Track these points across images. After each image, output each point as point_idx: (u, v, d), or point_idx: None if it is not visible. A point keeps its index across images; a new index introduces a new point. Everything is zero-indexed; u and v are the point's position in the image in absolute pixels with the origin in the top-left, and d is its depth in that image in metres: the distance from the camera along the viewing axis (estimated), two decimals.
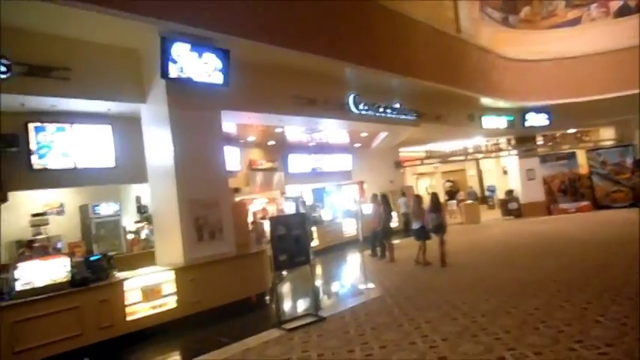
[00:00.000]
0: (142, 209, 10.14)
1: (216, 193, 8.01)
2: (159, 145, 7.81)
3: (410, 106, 14.11)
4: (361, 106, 12.40)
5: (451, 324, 5.72)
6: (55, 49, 7.00)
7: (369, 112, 12.73)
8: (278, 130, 13.05)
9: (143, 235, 9.93)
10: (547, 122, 19.21)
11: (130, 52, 7.85)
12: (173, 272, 7.14)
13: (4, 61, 6.42)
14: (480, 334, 5.22)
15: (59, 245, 8.42)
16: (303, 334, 5.99)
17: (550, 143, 20.90)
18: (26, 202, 8.40)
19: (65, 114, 7.93)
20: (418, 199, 10.96)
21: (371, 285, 8.67)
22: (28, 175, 7.65)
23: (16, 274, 5.77)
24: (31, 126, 7.68)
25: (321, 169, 17.05)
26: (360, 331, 5.86)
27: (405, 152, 19.98)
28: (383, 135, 16.00)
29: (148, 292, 6.81)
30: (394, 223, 14.42)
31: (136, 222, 10.17)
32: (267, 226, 10.32)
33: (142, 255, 8.86)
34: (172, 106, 7.60)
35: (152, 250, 8.44)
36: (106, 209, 9.50)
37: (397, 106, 13.67)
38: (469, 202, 20.51)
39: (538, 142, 20.44)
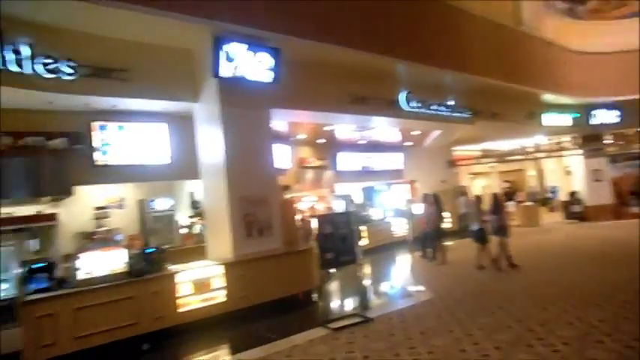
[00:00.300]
0: (195, 205, 10.46)
1: (266, 191, 8.10)
2: (211, 143, 8.02)
3: (464, 104, 13.58)
4: (413, 104, 12.08)
5: (505, 332, 5.42)
6: (114, 51, 7.36)
7: (422, 110, 12.38)
8: (328, 128, 13.01)
9: (196, 230, 10.24)
10: (618, 119, 17.81)
11: (183, 53, 8.10)
12: (223, 267, 7.29)
13: (70, 64, 6.84)
14: (536, 345, 4.90)
15: (119, 237, 8.86)
16: (349, 334, 5.91)
17: (621, 142, 19.35)
18: (90, 196, 8.92)
19: (125, 113, 8.33)
20: (478, 199, 10.56)
21: (421, 287, 8.43)
22: (91, 171, 8.12)
23: (78, 263, 6.13)
24: (94, 124, 8.15)
25: (372, 167, 16.84)
26: (407, 334, 5.69)
27: (459, 151, 19.30)
28: (436, 133, 15.54)
29: (199, 285, 6.99)
30: (446, 224, 13.98)
31: (190, 217, 10.51)
32: (315, 223, 10.35)
33: (194, 249, 9.13)
34: (224, 105, 7.76)
35: (204, 244, 8.68)
36: (161, 204, 9.89)
37: (451, 103, 13.21)
38: (528, 203, 19.48)
39: (606, 141, 19.00)
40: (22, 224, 7.84)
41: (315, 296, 8.30)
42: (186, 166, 8.84)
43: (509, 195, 24.43)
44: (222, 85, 7.71)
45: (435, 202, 11.70)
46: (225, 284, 7.23)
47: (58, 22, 6.73)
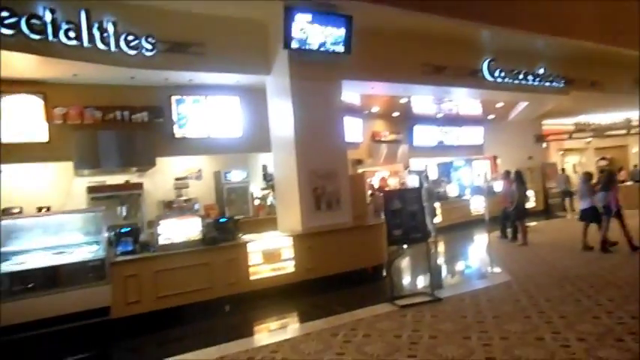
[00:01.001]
0: (267, 177, 10.68)
1: (335, 164, 8.01)
2: (281, 116, 8.05)
3: (557, 72, 12.32)
4: (497, 73, 11.19)
5: (590, 322, 4.90)
6: (191, 26, 7.58)
7: (507, 80, 11.44)
8: (403, 100, 12.53)
9: (268, 202, 10.50)
10: None
11: (257, 25, 8.12)
12: (291, 238, 7.39)
13: (150, 40, 7.17)
14: (626, 339, 4.36)
15: (196, 207, 9.37)
16: (416, 312, 5.72)
17: None
18: (170, 167, 9.48)
19: (200, 87, 8.65)
20: (586, 176, 9.69)
21: (497, 269, 7.94)
22: (171, 143, 8.60)
23: (159, 230, 6.53)
24: (173, 98, 8.55)
25: (449, 141, 16.08)
26: (479, 317, 5.37)
27: (549, 125, 17.70)
28: (522, 105, 14.35)
29: (269, 255, 7.16)
30: (530, 203, 13.02)
31: (262, 189, 10.78)
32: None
33: (266, 220, 9.36)
34: (294, 77, 7.71)
35: (275, 215, 8.85)
36: (236, 176, 10.22)
37: (541, 71, 12.04)
38: (629, 183, 17.46)
39: None
40: (112, 192, 8.55)
41: (384, 272, 8.17)
42: (257, 139, 9.01)
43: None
44: (293, 57, 7.65)
45: (516, 179, 10.86)
46: (294, 255, 7.33)
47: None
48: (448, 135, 15.99)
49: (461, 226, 13.16)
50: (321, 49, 7.68)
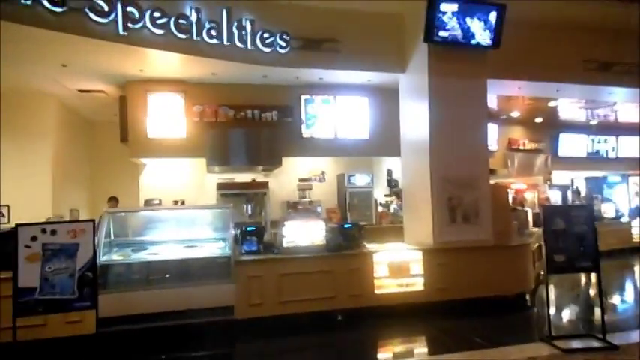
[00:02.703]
0: (391, 183, 10.05)
1: (474, 173, 7.03)
2: (414, 118, 7.34)
3: None
4: None
5: None
6: (324, 22, 7.29)
7: None
8: (552, 103, 10.95)
9: (391, 209, 9.86)
10: None
11: (394, 18, 7.55)
12: (421, 252, 6.66)
13: (284, 37, 7.03)
14: None
15: (318, 210, 9.11)
16: None
17: None
18: (295, 167, 9.39)
19: (329, 86, 8.37)
20: None
21: None
22: (298, 143, 8.45)
23: (284, 231, 6.29)
24: (302, 98, 8.39)
25: (602, 153, 13.81)
26: None
27: None
28: None
29: (395, 268, 6.51)
30: None
31: (386, 195, 10.18)
32: (531, 215, 8.82)
33: (389, 229, 8.72)
34: (433, 74, 6.94)
35: (400, 225, 8.17)
36: (359, 180, 9.75)
37: None
38: None
39: None
40: (239, 190, 8.68)
41: (528, 301, 6.99)
42: (383, 143, 8.55)
43: None
44: (433, 51, 6.89)
45: None
46: (423, 272, 6.59)
47: None
48: (602, 145, 13.72)
49: (619, 254, 11.06)
50: (467, 42, 6.81)
